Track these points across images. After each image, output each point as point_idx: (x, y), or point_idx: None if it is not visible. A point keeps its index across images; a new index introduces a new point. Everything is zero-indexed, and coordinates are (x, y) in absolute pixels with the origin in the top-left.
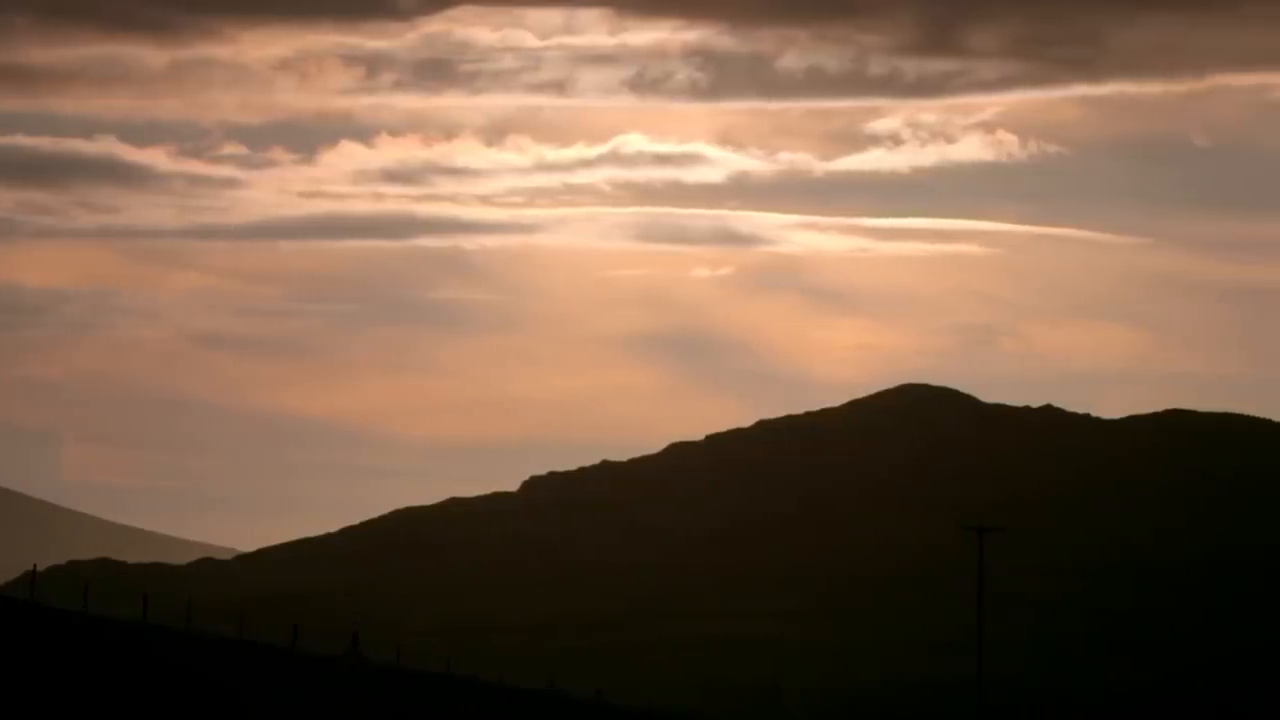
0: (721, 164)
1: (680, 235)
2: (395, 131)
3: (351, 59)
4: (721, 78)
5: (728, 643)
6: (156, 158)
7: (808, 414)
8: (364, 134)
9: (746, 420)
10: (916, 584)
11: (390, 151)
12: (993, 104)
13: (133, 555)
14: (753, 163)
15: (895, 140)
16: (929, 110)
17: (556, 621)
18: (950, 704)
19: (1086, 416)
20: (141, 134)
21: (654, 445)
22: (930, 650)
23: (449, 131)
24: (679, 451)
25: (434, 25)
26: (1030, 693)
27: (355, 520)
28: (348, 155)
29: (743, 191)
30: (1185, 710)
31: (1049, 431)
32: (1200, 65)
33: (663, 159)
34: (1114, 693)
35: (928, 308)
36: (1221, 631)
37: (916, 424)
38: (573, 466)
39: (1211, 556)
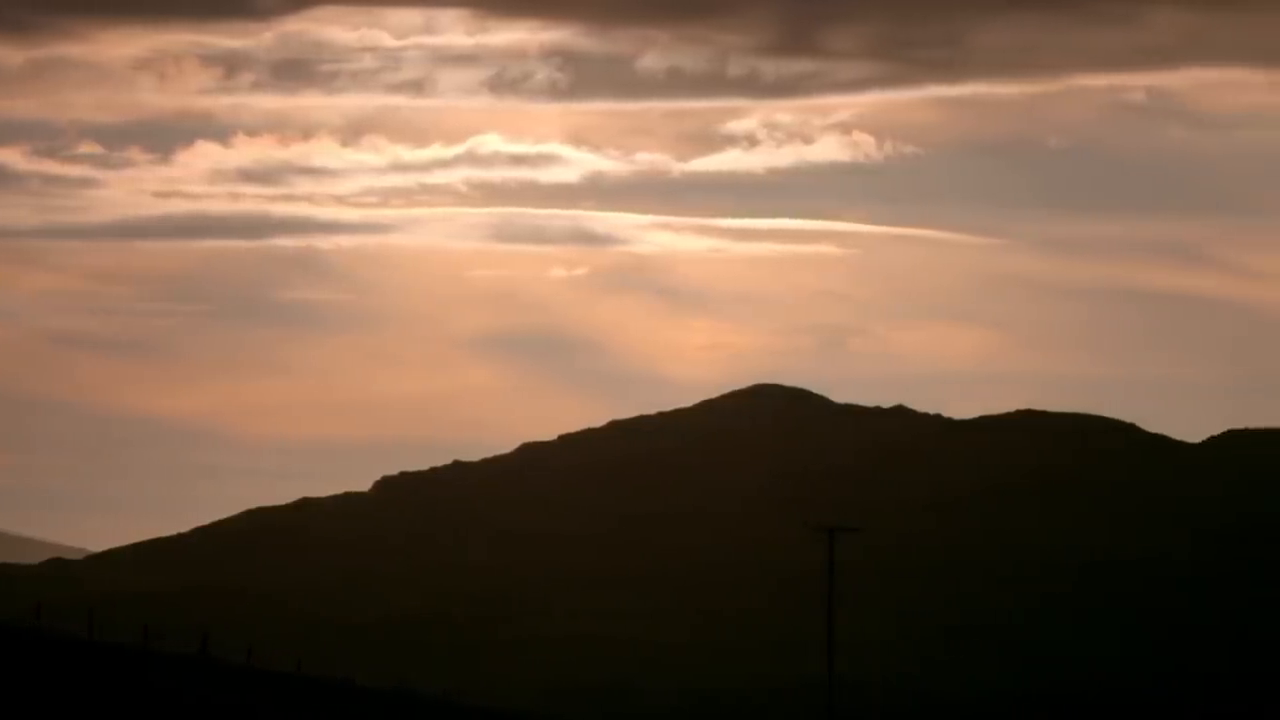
0: (578, 164)
1: (536, 235)
2: (252, 131)
3: (209, 59)
4: (580, 78)
5: (580, 643)
6: (11, 157)
7: (660, 414)
8: (221, 134)
9: (599, 420)
10: (768, 584)
11: (247, 151)
12: (850, 105)
13: None
14: (609, 163)
15: (752, 141)
16: (786, 111)
17: (408, 621)
18: (802, 705)
19: (938, 417)
20: None
21: (506, 445)
22: (782, 651)
23: (306, 131)
24: (531, 451)
25: (293, 25)
26: (883, 695)
27: (206, 520)
28: (204, 155)
29: (599, 192)
30: (1038, 712)
31: (900, 432)
32: (1056, 66)
33: (519, 159)
34: (967, 695)
35: (781, 308)
36: (1072, 632)
37: (768, 424)
38: (425, 466)
39: (1063, 557)
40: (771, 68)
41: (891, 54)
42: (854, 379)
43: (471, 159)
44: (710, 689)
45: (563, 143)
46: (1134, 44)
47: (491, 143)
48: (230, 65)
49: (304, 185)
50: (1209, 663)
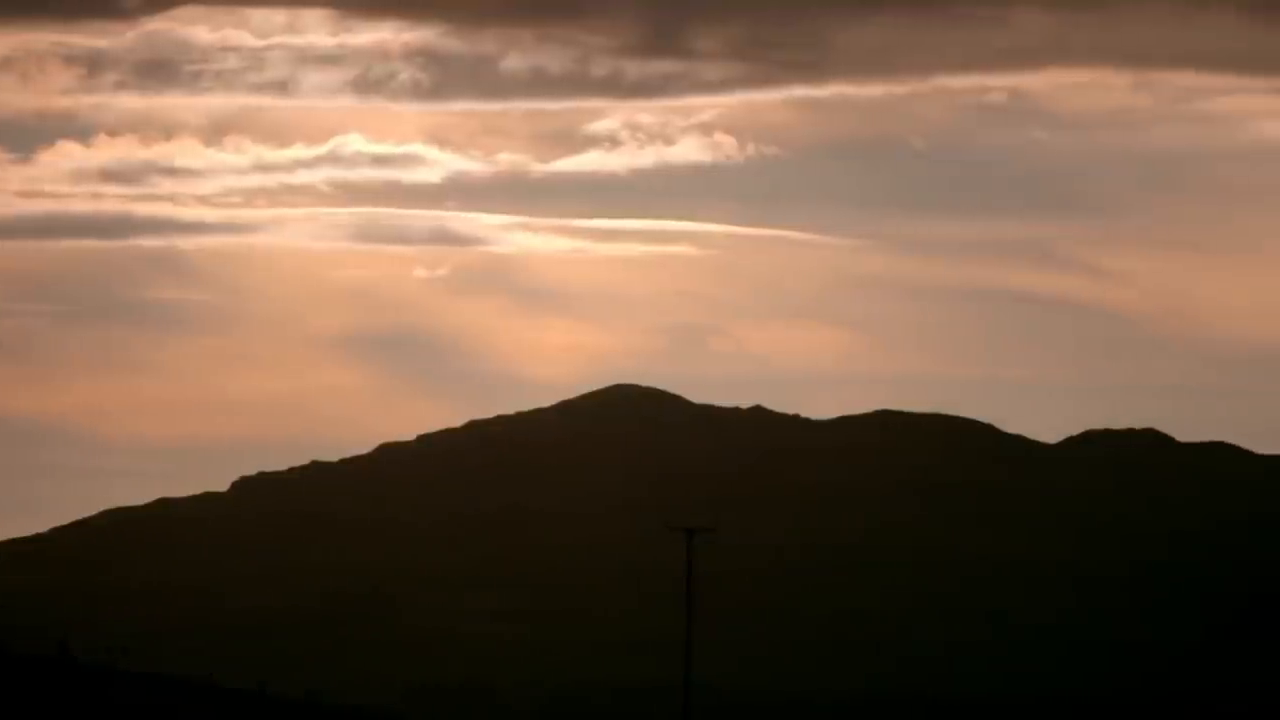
0: (440, 165)
1: (398, 236)
2: (114, 131)
3: (72, 58)
4: (444, 79)
5: (439, 642)
6: None
7: (519, 414)
8: (83, 133)
9: (457, 420)
10: (626, 585)
11: (109, 151)
12: (712, 106)
13: None
14: (471, 164)
15: (614, 141)
16: (648, 111)
17: (267, 622)
18: (659, 705)
19: (796, 417)
20: None
21: (365, 445)
22: (639, 651)
23: (169, 131)
24: (389, 451)
25: (156, 25)
26: (740, 695)
27: (64, 520)
28: (66, 155)
29: (461, 192)
30: (897, 712)
31: (758, 432)
32: (919, 68)
33: (381, 160)
34: (823, 696)
35: (640, 308)
36: (931, 632)
37: (626, 424)
38: (283, 467)
39: (921, 556)
40: (635, 68)
41: (755, 55)
42: (712, 379)
43: (334, 159)
44: (568, 689)
45: (425, 143)
46: (997, 45)
47: (354, 143)
48: (93, 65)
49: (166, 185)
50: (1065, 660)
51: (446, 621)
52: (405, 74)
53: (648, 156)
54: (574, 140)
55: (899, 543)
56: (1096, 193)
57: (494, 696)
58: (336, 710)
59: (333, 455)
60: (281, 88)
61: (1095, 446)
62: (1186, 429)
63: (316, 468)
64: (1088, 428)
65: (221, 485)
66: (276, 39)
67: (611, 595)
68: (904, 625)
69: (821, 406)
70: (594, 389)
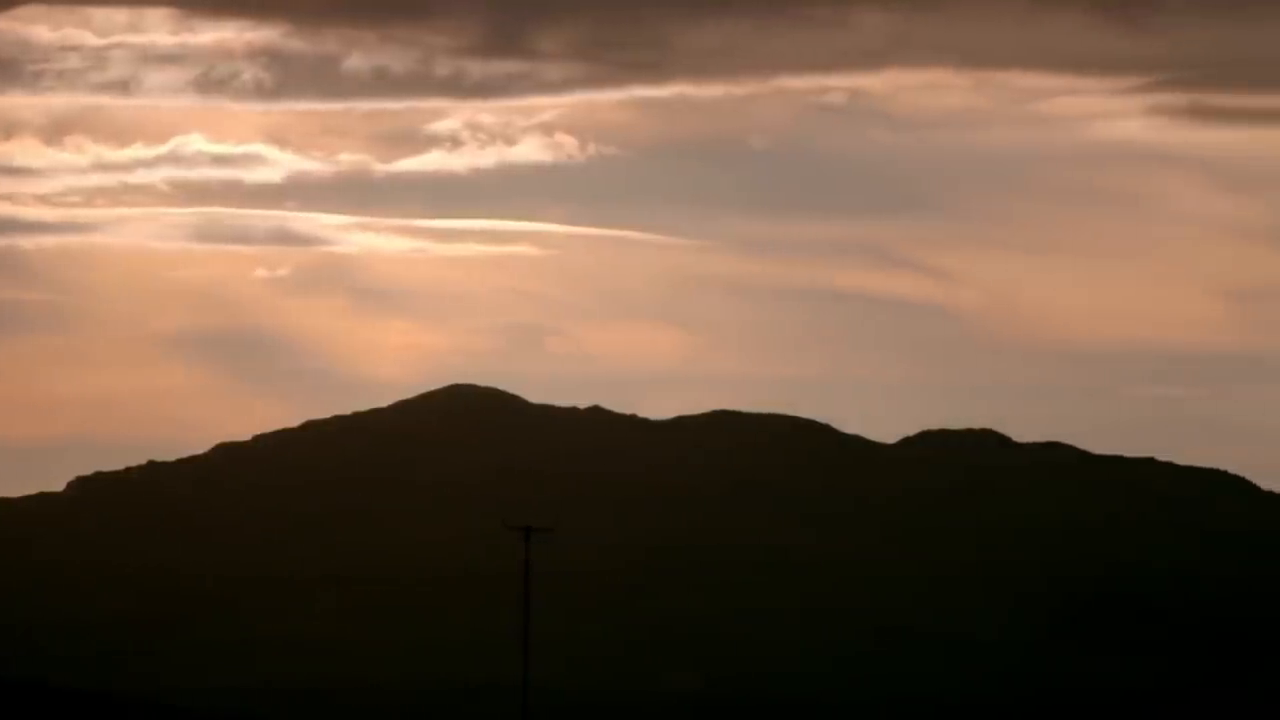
0: (281, 165)
1: (239, 236)
2: None
3: None
4: (286, 78)
5: (278, 642)
6: None
7: (356, 414)
8: None
9: (294, 420)
10: (464, 584)
11: None
12: (554, 106)
13: None
14: (312, 164)
15: (455, 142)
16: (490, 112)
17: (105, 623)
18: (498, 705)
19: (633, 417)
20: None
21: (202, 445)
22: (477, 651)
23: (8, 131)
24: (226, 451)
25: None
26: (578, 694)
27: None
28: None
29: (302, 192)
30: (734, 713)
31: (596, 432)
32: (760, 68)
33: (222, 159)
34: (661, 696)
35: (479, 308)
36: (768, 632)
37: (464, 424)
38: (120, 466)
39: (760, 556)
40: (477, 69)
41: (596, 55)
42: (551, 379)
43: (174, 159)
44: (408, 689)
45: (266, 143)
46: (838, 46)
47: (195, 143)
48: None
49: (6, 185)
50: (903, 660)
51: (286, 621)
52: (248, 74)
53: (489, 156)
54: (415, 140)
55: (736, 543)
56: (934, 193)
57: (335, 697)
58: (173, 711)
59: (170, 455)
60: (123, 87)
61: (933, 446)
62: (1024, 429)
63: (154, 467)
64: (925, 427)
65: (58, 485)
66: (118, 38)
67: (450, 595)
68: (741, 625)
69: (659, 407)
70: (432, 389)
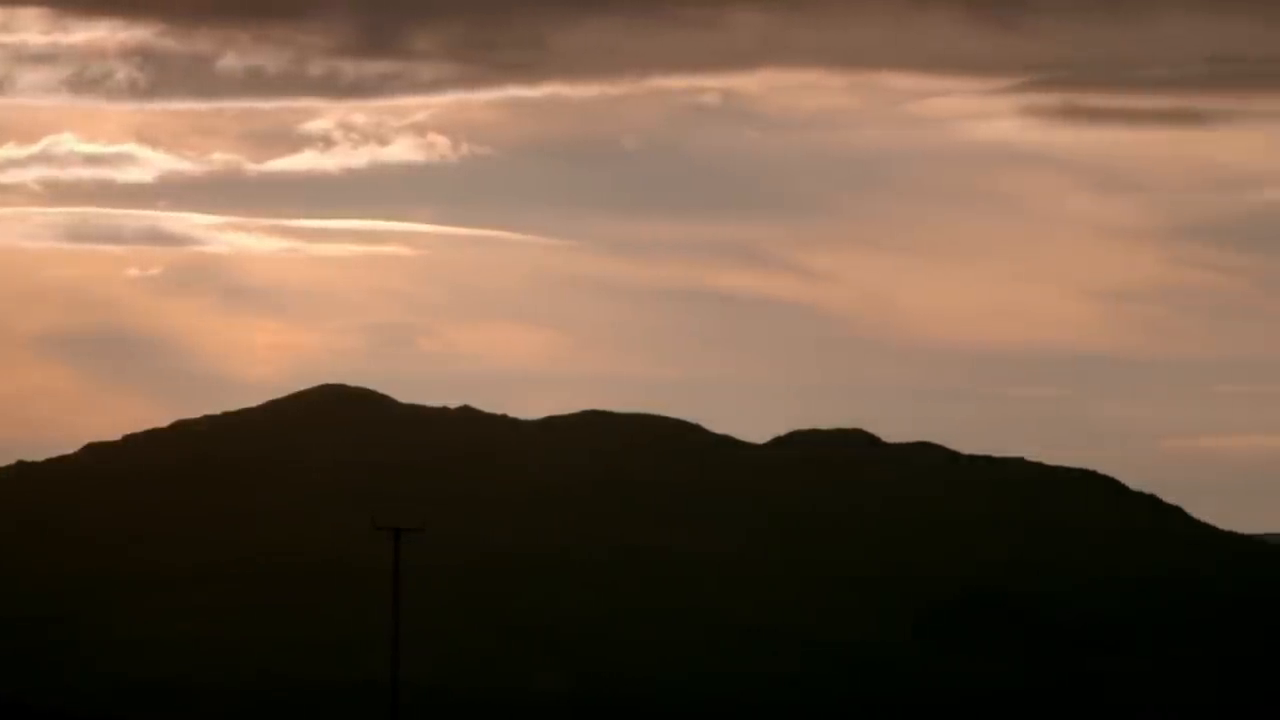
0: (153, 164)
1: (110, 235)
2: None
3: None
4: (160, 78)
5: (147, 643)
6: None
7: (226, 414)
8: None
9: (164, 420)
10: (334, 584)
11: None
12: (427, 106)
13: None
14: (185, 164)
15: (328, 142)
16: (363, 111)
17: None
18: (366, 705)
19: (504, 417)
20: None
21: (71, 445)
22: (349, 650)
23: None
24: (96, 452)
25: None
26: (448, 694)
27: None
28: None
29: (174, 192)
30: (605, 713)
31: (467, 431)
32: (635, 69)
33: (93, 159)
34: (531, 695)
35: (350, 309)
36: (638, 631)
37: (334, 424)
38: None
39: (630, 556)
40: (351, 68)
41: (471, 56)
42: (421, 379)
43: (46, 159)
44: (279, 688)
45: (139, 143)
46: (712, 46)
47: (66, 142)
48: None
49: None
50: (774, 659)
51: (155, 621)
52: (121, 73)
53: (361, 156)
54: (288, 140)
55: (607, 543)
56: (806, 193)
57: (206, 695)
58: (42, 713)
59: (39, 455)
60: None
61: (803, 446)
62: (893, 428)
63: (23, 468)
64: (795, 427)
65: None
66: None
67: (320, 595)
68: (612, 625)
69: (530, 406)
70: (303, 388)
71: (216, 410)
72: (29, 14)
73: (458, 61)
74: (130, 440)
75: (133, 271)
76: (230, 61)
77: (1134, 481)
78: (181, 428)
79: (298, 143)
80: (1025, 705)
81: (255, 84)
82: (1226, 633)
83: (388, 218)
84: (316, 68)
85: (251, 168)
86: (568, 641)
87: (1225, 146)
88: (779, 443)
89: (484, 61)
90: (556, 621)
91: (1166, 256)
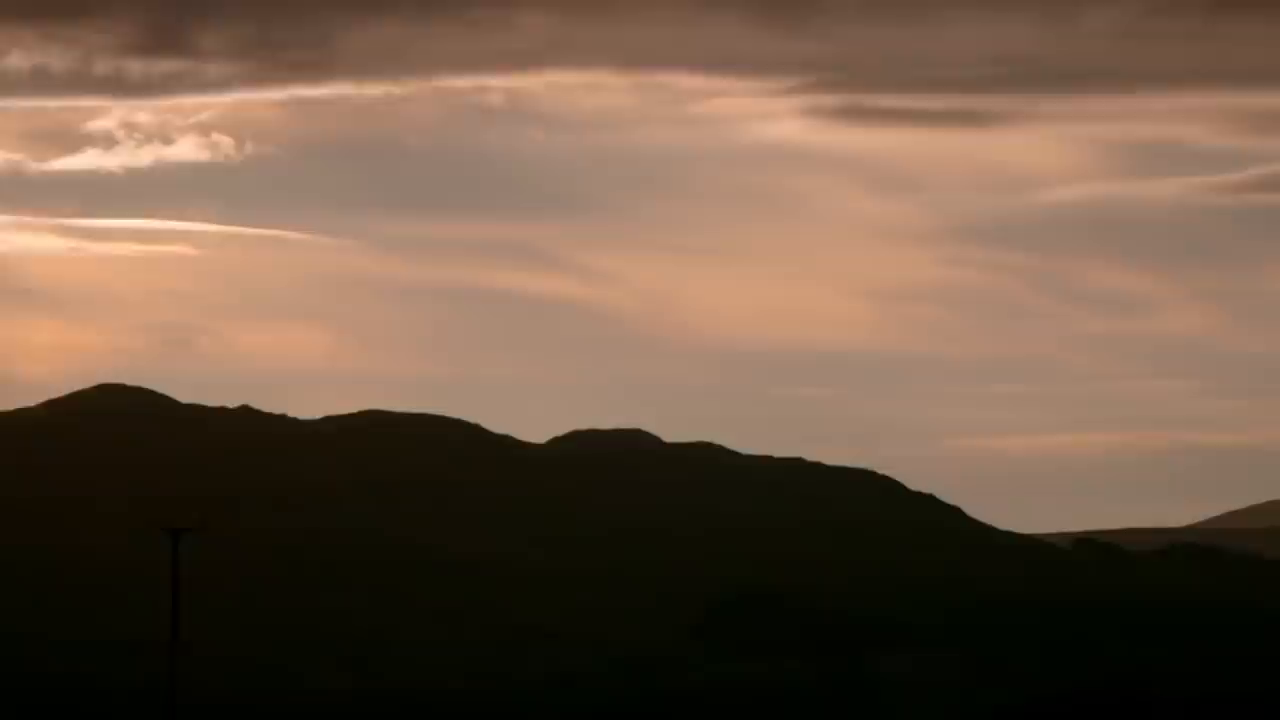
0: None
1: None
2: None
3: None
4: None
5: None
6: None
7: (3, 414)
8: None
9: None
10: (113, 585)
11: None
12: (212, 105)
13: None
14: None
15: (111, 141)
16: (148, 111)
17: None
18: (148, 705)
19: (283, 417)
20: None
21: None
22: (127, 652)
23: None
24: None
25: None
26: (227, 695)
27: None
28: None
29: None
30: (386, 712)
31: (246, 431)
32: (420, 69)
33: None
34: (313, 696)
35: (131, 308)
36: (421, 631)
37: (113, 424)
38: None
39: (408, 556)
40: (138, 67)
41: (259, 55)
42: (201, 379)
43: None
44: (56, 688)
45: None
46: (498, 47)
47: None
48: None
49: None
50: (554, 661)
51: None
52: None
53: (145, 156)
54: (71, 139)
55: (386, 543)
56: (588, 193)
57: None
58: None
59: None
60: None
61: (583, 445)
62: (673, 428)
63: None
64: (575, 427)
65: None
66: None
67: (99, 595)
68: (392, 625)
69: (309, 406)
70: (82, 388)
71: None
72: None
73: (244, 61)
74: None
75: None
76: (15, 60)
77: (913, 481)
78: None
79: (81, 142)
80: (804, 705)
81: (40, 83)
82: (1007, 633)
83: (170, 217)
84: (102, 66)
85: (34, 167)
86: (347, 642)
87: (1005, 148)
88: (559, 442)
89: (271, 61)
90: (336, 622)
91: (945, 257)
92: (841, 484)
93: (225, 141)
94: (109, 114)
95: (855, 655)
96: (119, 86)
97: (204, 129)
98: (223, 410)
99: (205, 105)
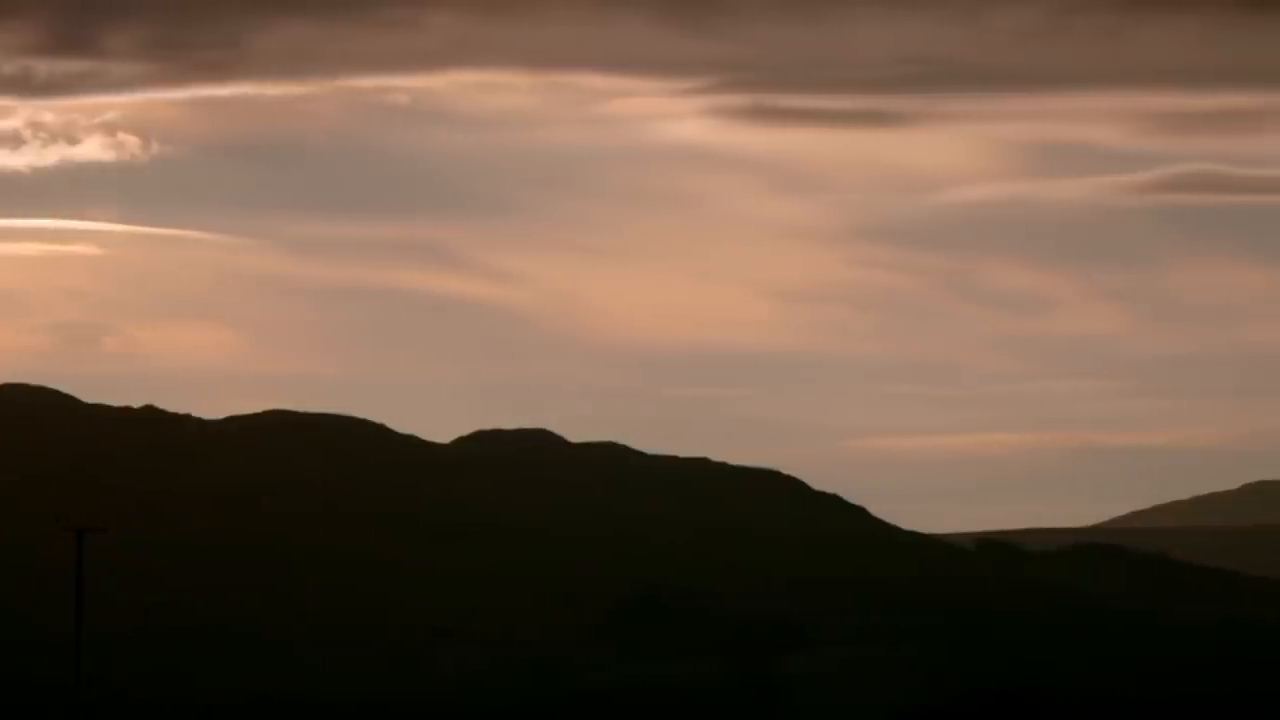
0: None
1: None
2: None
3: None
4: None
5: None
6: None
7: None
8: None
9: None
10: (17, 585)
11: None
12: (118, 105)
13: None
14: None
15: (17, 140)
16: (54, 110)
17: None
18: (51, 704)
19: (188, 416)
20: None
21: None
22: (30, 652)
23: None
24: None
25: None
26: (133, 695)
27: None
28: None
29: None
30: (288, 713)
31: (150, 431)
32: (326, 69)
33: None
34: (217, 696)
35: (36, 308)
36: (322, 631)
37: (16, 424)
38: None
39: (310, 556)
40: (44, 67)
41: (165, 55)
42: (105, 379)
43: None
44: None
45: None
46: (404, 47)
47: None
48: None
49: None
50: (457, 662)
51: None
52: None
53: (51, 155)
54: None
55: (289, 543)
56: (492, 193)
57: None
58: None
59: None
60: None
61: (487, 445)
62: (577, 428)
63: None
64: (479, 427)
65: None
66: None
67: (2, 595)
68: (296, 625)
69: (214, 406)
70: None
71: None
72: None
73: (150, 61)
74: None
75: None
76: None
77: (817, 482)
78: None
79: None
80: (709, 706)
81: None
82: (911, 633)
83: (76, 217)
84: (8, 66)
85: None
86: (251, 642)
87: (913, 148)
88: (464, 442)
89: (177, 61)
90: (240, 622)
91: (849, 257)
92: (746, 484)
93: (131, 141)
94: (14, 114)
95: (760, 655)
96: (25, 86)
97: (110, 129)
98: (127, 410)
99: (111, 105)
